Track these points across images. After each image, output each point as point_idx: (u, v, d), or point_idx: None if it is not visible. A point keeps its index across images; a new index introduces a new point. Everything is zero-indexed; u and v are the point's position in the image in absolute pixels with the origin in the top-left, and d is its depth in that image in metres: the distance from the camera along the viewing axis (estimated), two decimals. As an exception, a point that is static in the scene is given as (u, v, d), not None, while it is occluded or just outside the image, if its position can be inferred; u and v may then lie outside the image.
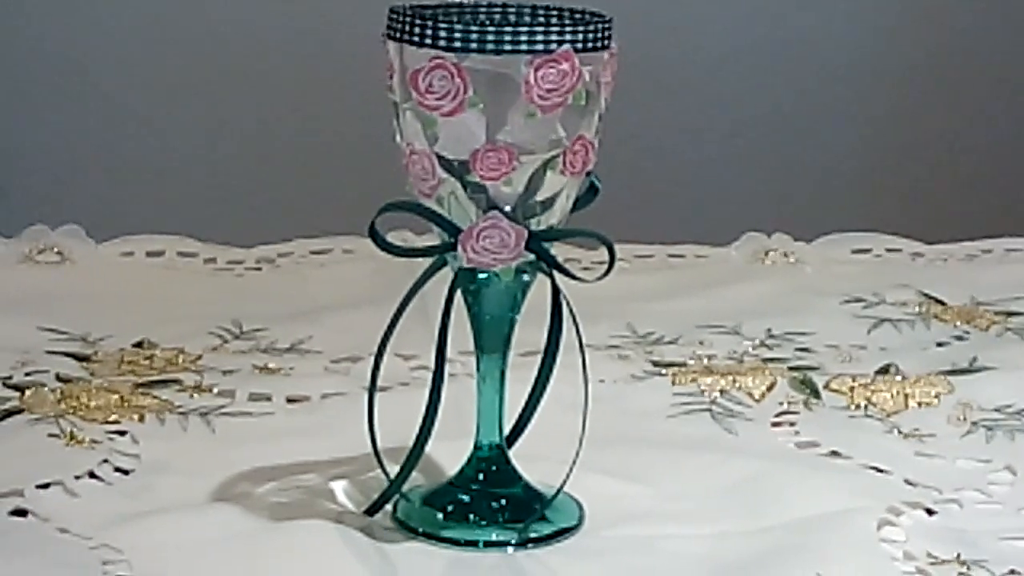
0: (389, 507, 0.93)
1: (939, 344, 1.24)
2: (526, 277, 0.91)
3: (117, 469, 0.99)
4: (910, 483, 1.00)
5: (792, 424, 1.09)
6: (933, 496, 0.98)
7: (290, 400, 1.10)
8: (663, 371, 1.16)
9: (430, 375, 0.92)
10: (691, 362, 1.18)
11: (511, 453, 0.95)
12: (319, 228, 1.44)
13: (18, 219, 1.42)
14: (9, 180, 2.32)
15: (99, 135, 2.35)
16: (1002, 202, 2.46)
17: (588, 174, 0.91)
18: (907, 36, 2.51)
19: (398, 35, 0.87)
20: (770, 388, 1.13)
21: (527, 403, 0.96)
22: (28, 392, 1.08)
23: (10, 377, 1.11)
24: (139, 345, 1.18)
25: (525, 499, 0.94)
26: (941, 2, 2.51)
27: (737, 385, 1.13)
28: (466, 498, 0.94)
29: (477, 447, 0.94)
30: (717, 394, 1.13)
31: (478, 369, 0.94)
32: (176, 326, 1.22)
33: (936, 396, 1.13)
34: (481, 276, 0.91)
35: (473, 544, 0.91)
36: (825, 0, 2.48)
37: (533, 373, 0.95)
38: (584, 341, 0.91)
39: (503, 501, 0.93)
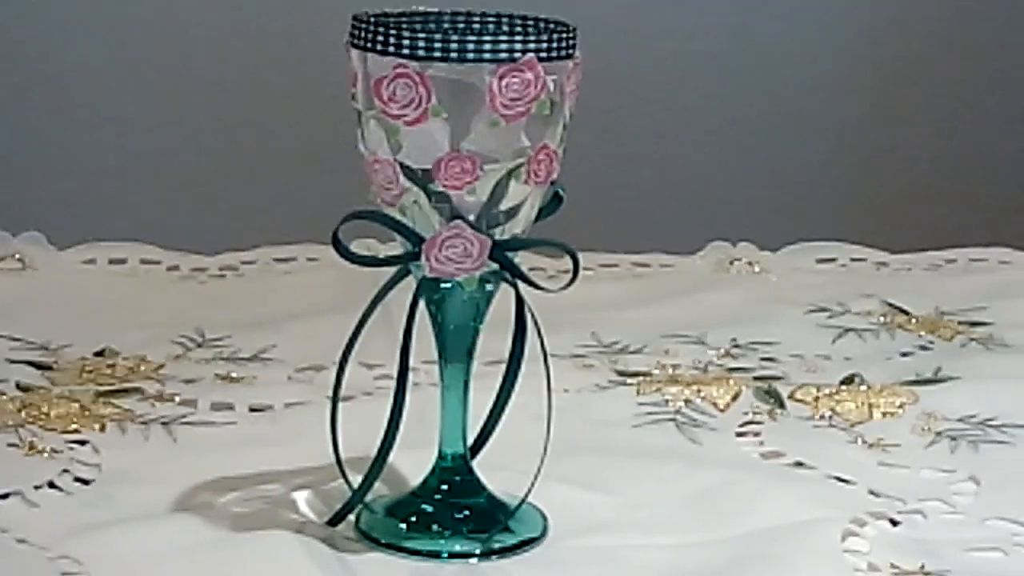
0: (352, 517, 0.93)
1: (903, 354, 1.24)
2: (490, 287, 0.91)
3: (77, 479, 0.98)
4: (874, 493, 1.00)
5: (756, 434, 1.09)
6: (897, 506, 0.98)
7: (253, 409, 1.10)
8: (628, 380, 1.16)
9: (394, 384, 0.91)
10: (656, 371, 1.18)
11: (475, 463, 0.95)
12: (283, 236, 1.43)
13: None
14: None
15: (61, 141, 2.34)
16: (966, 212, 2.46)
17: (552, 183, 0.90)
18: (872, 48, 2.51)
19: (361, 43, 0.87)
20: (735, 398, 1.13)
21: (491, 413, 0.96)
22: (-12, 401, 1.08)
23: (-31, 386, 1.10)
24: (100, 354, 1.18)
25: (489, 509, 0.93)
26: (909, 12, 2.51)
27: (702, 395, 1.13)
28: (429, 508, 0.93)
29: (440, 457, 0.94)
30: (682, 404, 1.13)
31: (441, 379, 0.93)
32: (138, 334, 1.21)
33: (900, 406, 1.13)
34: (444, 285, 0.90)
35: (436, 555, 0.90)
36: (792, 11, 2.49)
37: (497, 383, 0.95)
38: (548, 350, 0.91)
39: (466, 512, 0.93)
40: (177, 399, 1.10)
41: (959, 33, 2.53)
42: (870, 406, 1.13)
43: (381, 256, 0.93)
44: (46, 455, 1.01)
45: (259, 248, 1.41)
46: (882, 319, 1.31)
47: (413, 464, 0.95)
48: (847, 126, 2.52)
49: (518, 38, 0.85)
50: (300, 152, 2.33)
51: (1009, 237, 1.54)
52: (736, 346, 1.24)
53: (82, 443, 1.03)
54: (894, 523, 0.97)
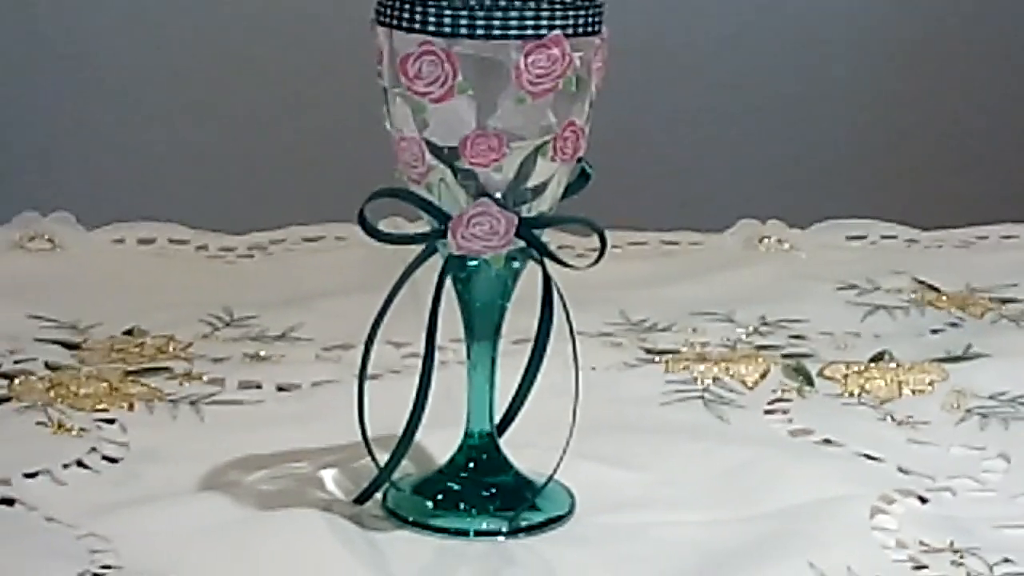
0: (379, 495, 0.93)
1: (933, 331, 1.24)
2: (516, 264, 0.91)
3: (105, 457, 0.98)
4: (903, 471, 1.00)
5: (785, 411, 1.09)
6: (926, 484, 0.98)
7: (280, 388, 1.10)
8: (656, 358, 1.16)
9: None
10: (684, 349, 1.18)
11: (502, 441, 0.94)
12: (311, 215, 1.43)
13: (9, 206, 1.42)
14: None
15: (91, 122, 2.34)
16: (997, 189, 2.45)
17: (579, 160, 0.90)
18: (900, 23, 2.50)
19: (387, 20, 0.87)
20: (763, 375, 1.13)
21: (518, 391, 0.95)
22: (17, 380, 1.08)
23: (-1, 365, 1.11)
24: (129, 333, 1.18)
25: (516, 487, 0.93)
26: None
27: (730, 372, 1.13)
28: (456, 486, 0.93)
29: (468, 435, 0.94)
30: (710, 381, 1.12)
31: (468, 356, 0.93)
32: (166, 313, 1.21)
33: (930, 383, 1.12)
34: (471, 263, 0.90)
35: (463, 533, 0.90)
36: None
37: (524, 360, 0.95)
38: (576, 328, 0.91)
39: (494, 489, 0.93)
40: (205, 378, 1.10)
41: (989, 8, 2.52)
42: (900, 383, 1.12)
43: (408, 234, 0.93)
44: (74, 434, 1.01)
45: (287, 227, 1.41)
46: (912, 296, 1.31)
47: (440, 442, 0.95)
48: (877, 103, 2.51)
49: (544, 14, 0.85)
50: (327, 131, 2.33)
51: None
52: (765, 323, 1.24)
53: (110, 422, 1.03)
54: (923, 500, 0.96)
